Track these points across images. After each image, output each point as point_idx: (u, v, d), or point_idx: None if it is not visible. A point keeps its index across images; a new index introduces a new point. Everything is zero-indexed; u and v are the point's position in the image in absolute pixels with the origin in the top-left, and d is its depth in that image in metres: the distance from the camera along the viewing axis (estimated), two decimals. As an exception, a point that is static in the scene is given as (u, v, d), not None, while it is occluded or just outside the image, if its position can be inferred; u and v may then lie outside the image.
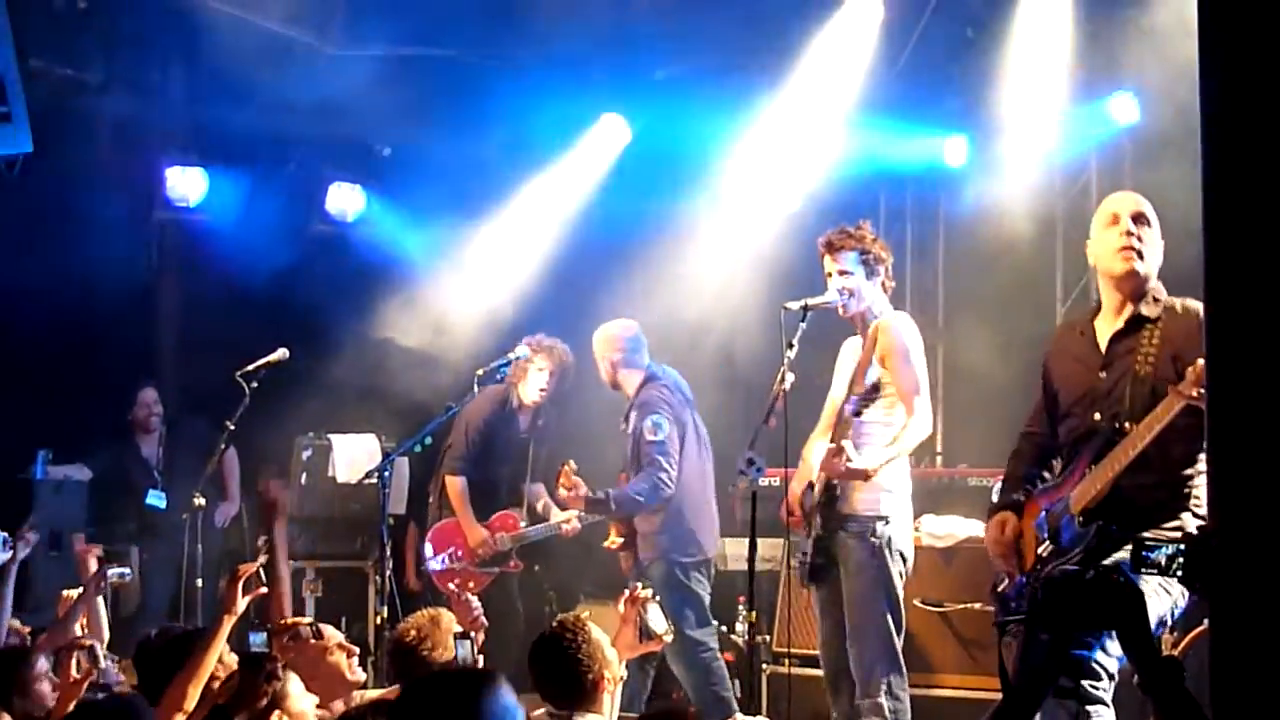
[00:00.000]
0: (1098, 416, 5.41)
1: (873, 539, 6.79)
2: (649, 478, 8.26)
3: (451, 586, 8.95)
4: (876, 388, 6.84)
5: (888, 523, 6.83)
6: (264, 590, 6.12)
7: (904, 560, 6.89)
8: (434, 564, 9.22)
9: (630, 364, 8.57)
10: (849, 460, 6.56)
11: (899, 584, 6.85)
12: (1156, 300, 5.44)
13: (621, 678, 5.41)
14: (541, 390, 9.18)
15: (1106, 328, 5.56)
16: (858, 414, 6.63)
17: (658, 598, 6.01)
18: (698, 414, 8.59)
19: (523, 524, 9.28)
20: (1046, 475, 5.68)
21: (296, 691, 5.36)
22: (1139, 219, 5.49)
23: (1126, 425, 5.23)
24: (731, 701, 8.13)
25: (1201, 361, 4.86)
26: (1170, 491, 5.24)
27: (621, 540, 8.52)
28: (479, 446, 9.26)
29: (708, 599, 8.33)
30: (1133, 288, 5.50)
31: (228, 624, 5.39)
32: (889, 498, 6.84)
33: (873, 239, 7.03)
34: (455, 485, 9.29)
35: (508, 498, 9.38)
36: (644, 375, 8.53)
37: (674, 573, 8.24)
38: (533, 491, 9.49)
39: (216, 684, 5.11)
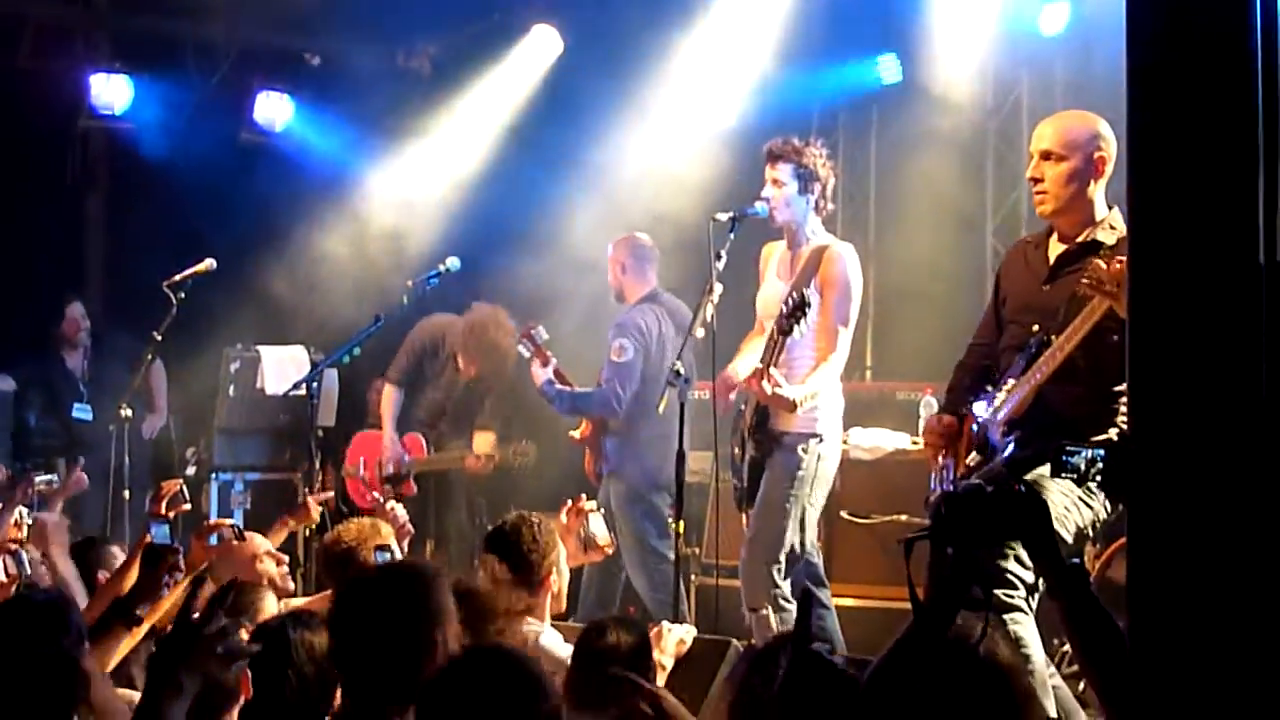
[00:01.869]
0: (1036, 327, 5.45)
1: (802, 454, 6.83)
2: (601, 392, 8.24)
3: (372, 496, 9.02)
4: (806, 313, 6.78)
5: (820, 440, 6.88)
6: (186, 506, 6.12)
7: (826, 482, 6.95)
8: (347, 471, 9.35)
9: (638, 273, 8.44)
10: (777, 385, 6.56)
11: (810, 507, 6.90)
12: (1113, 228, 5.44)
13: (563, 586, 5.48)
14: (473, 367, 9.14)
15: (1057, 247, 5.58)
16: (786, 333, 6.59)
17: (600, 509, 6.07)
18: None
19: (426, 452, 9.24)
20: (988, 385, 5.73)
21: (270, 607, 5.36)
22: (1046, 156, 5.48)
23: (1054, 338, 5.28)
24: (685, 615, 8.17)
25: (1122, 261, 4.90)
26: (1097, 405, 5.28)
27: (584, 436, 8.53)
28: (413, 368, 9.22)
29: (667, 514, 8.35)
30: (1062, 224, 5.53)
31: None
32: (824, 416, 6.90)
33: (814, 156, 7.00)
34: (387, 394, 9.30)
35: (431, 424, 9.34)
36: (646, 292, 8.43)
37: (636, 487, 8.25)
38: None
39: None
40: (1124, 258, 4.91)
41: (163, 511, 5.60)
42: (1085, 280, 5.07)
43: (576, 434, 8.57)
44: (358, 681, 3.76)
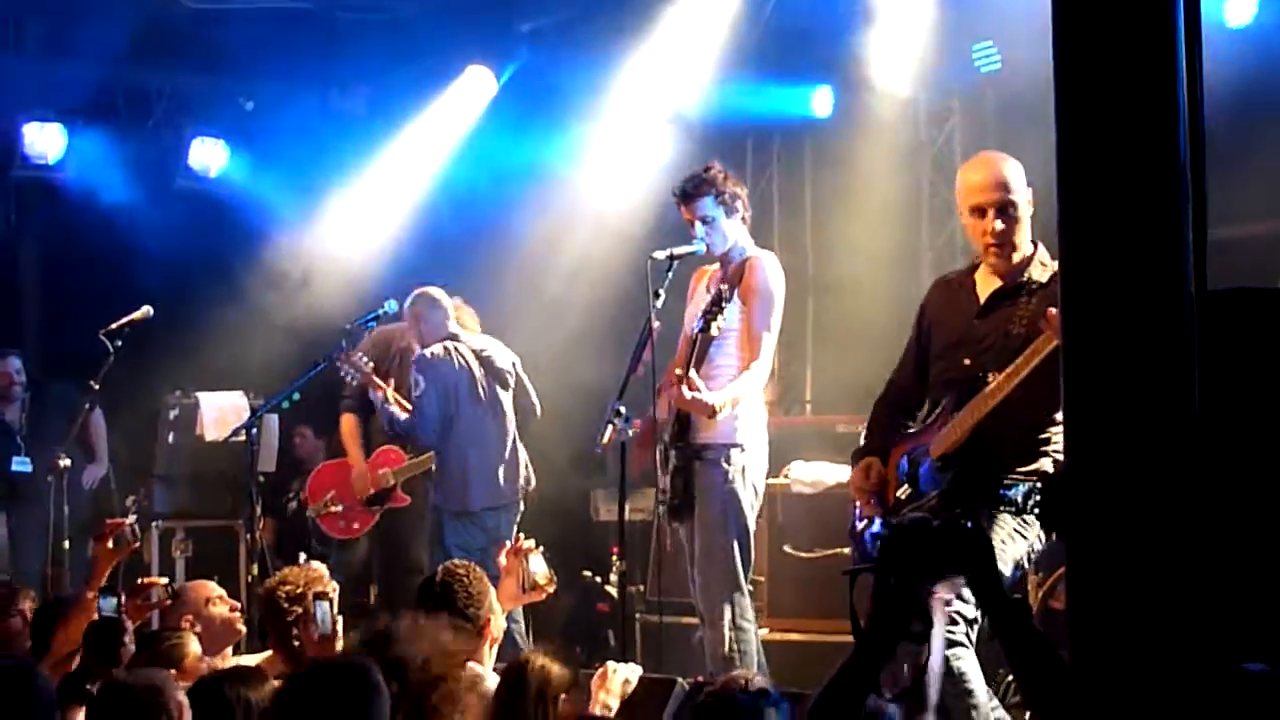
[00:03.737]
0: (968, 362, 5.44)
1: (726, 465, 6.78)
2: (408, 421, 8.59)
3: (339, 527, 9.05)
4: (728, 324, 6.78)
5: (743, 450, 6.81)
6: (137, 545, 6.09)
7: (756, 492, 6.89)
8: (312, 511, 9.17)
9: (432, 324, 8.72)
10: (695, 390, 6.52)
11: (750, 514, 6.84)
12: (1044, 265, 5.45)
13: (503, 629, 5.46)
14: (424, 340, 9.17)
15: (988, 283, 5.56)
16: (704, 330, 6.56)
17: (540, 548, 6.05)
18: (506, 377, 8.71)
19: (407, 458, 9.20)
20: (910, 423, 5.74)
21: (195, 651, 5.35)
22: (1003, 208, 5.43)
23: (990, 376, 5.27)
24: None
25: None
26: (1030, 438, 5.29)
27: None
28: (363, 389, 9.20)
29: (463, 546, 8.38)
30: (1007, 268, 5.54)
31: (99, 579, 5.42)
32: (744, 425, 6.82)
33: (724, 177, 6.98)
34: (347, 423, 9.24)
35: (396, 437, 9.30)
36: (441, 336, 8.69)
37: (437, 518, 8.42)
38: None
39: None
40: None
41: (99, 582, 5.56)
42: (1043, 325, 5.06)
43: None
44: None
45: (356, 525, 9.10)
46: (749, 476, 6.85)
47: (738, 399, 6.71)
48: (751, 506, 6.87)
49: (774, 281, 6.93)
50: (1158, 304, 2.95)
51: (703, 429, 6.80)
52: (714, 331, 6.54)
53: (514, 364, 8.81)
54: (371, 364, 8.74)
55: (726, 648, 6.64)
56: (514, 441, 8.69)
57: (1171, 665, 2.88)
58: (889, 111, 10.42)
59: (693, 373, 6.52)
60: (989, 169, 5.55)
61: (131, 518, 5.98)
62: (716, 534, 6.80)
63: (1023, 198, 5.46)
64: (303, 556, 6.55)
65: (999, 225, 5.44)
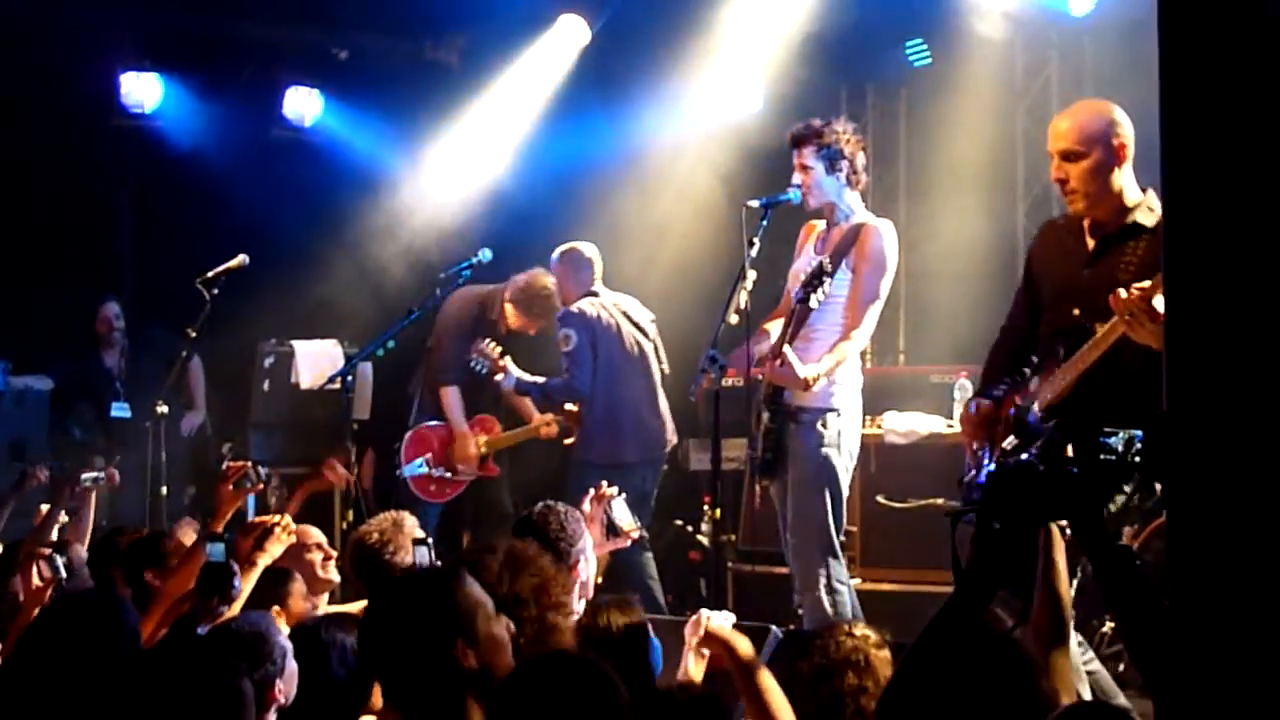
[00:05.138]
0: (1076, 312, 5.38)
1: (822, 429, 6.79)
2: (563, 380, 8.73)
3: (429, 490, 9.12)
4: (835, 290, 6.77)
5: (839, 415, 6.82)
6: (261, 487, 6.19)
7: (851, 456, 6.89)
8: (407, 470, 9.21)
9: (575, 281, 8.89)
10: (789, 364, 6.53)
11: (843, 479, 6.85)
12: (1151, 210, 5.40)
13: (597, 581, 5.46)
14: (520, 326, 9.23)
15: (1098, 227, 5.53)
16: (803, 302, 6.55)
17: (623, 494, 6.05)
18: (648, 331, 8.80)
19: (499, 428, 9.29)
20: (1025, 369, 5.70)
21: (298, 591, 5.44)
22: (1067, 156, 5.43)
23: (1097, 326, 5.21)
24: (656, 593, 8.22)
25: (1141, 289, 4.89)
26: (1136, 388, 5.21)
27: (556, 429, 8.98)
28: (462, 357, 9.23)
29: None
30: (1095, 215, 5.48)
31: (222, 520, 5.54)
32: (840, 390, 6.83)
33: (835, 134, 6.97)
34: (448, 397, 9.30)
35: (489, 403, 9.38)
36: (582, 292, 8.85)
37: (584, 472, 8.34)
38: (517, 398, 9.45)
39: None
40: (1141, 285, 4.91)
41: (220, 524, 5.65)
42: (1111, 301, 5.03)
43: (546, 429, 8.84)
44: (393, 686, 3.72)
45: (448, 490, 9.20)
46: (843, 441, 6.85)
47: (831, 370, 6.71)
48: (846, 470, 6.87)
49: (889, 251, 6.93)
50: (1263, 249, 2.90)
51: (797, 393, 6.79)
52: (813, 304, 6.51)
53: (651, 320, 8.88)
54: (496, 346, 8.83)
55: (824, 612, 6.67)
56: (660, 395, 8.75)
57: (1271, 617, 2.86)
58: (984, 62, 10.31)
59: (786, 348, 6.52)
60: (1070, 117, 5.56)
61: (252, 461, 6.05)
62: (809, 498, 6.82)
63: (1097, 147, 5.41)
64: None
65: (1057, 174, 5.47)
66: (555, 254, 8.96)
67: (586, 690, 3.25)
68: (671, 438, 8.80)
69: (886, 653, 3.84)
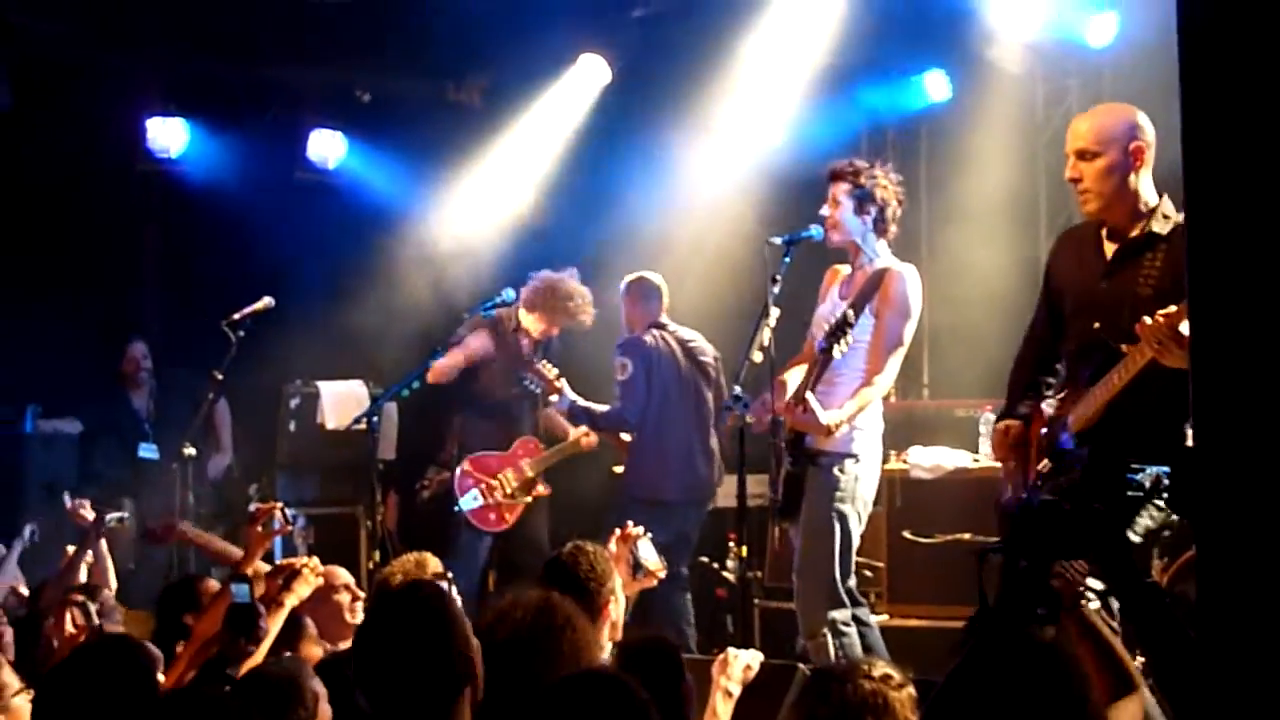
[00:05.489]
0: (1097, 326, 5.38)
1: (839, 474, 6.80)
2: (615, 410, 8.74)
3: (490, 520, 9.11)
4: (858, 335, 6.79)
5: (857, 461, 6.83)
6: (289, 529, 6.22)
7: (865, 503, 6.90)
8: (464, 504, 9.15)
9: (642, 309, 8.93)
10: (810, 411, 6.53)
11: (855, 527, 6.85)
12: (1167, 217, 5.39)
13: (620, 616, 5.46)
14: (553, 330, 9.23)
15: (1115, 235, 5.52)
16: (825, 352, 6.57)
17: (649, 534, 6.05)
18: (709, 370, 8.80)
19: (543, 448, 9.28)
20: (1050, 380, 5.69)
21: (311, 636, 5.45)
22: (1081, 155, 5.46)
23: (1122, 347, 5.17)
24: (689, 634, 8.21)
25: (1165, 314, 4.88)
26: (1165, 414, 5.19)
27: (596, 439, 9.10)
28: (485, 383, 9.23)
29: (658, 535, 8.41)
30: (1110, 219, 5.49)
31: (251, 561, 5.56)
32: (861, 436, 6.85)
33: (873, 178, 6.99)
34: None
35: (516, 423, 9.36)
36: (648, 323, 8.85)
37: (625, 505, 8.28)
38: (549, 415, 9.47)
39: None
40: (1167, 311, 4.89)
41: (250, 565, 5.68)
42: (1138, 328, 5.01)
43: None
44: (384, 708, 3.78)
45: (509, 516, 9.16)
46: (860, 488, 6.86)
47: (855, 415, 6.70)
48: (858, 517, 6.87)
49: (913, 297, 6.93)
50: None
51: (818, 438, 6.79)
52: (836, 354, 6.52)
53: (716, 358, 8.86)
54: (551, 367, 8.82)
55: (828, 656, 6.66)
56: (712, 436, 8.74)
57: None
58: (1005, 94, 10.33)
59: (809, 394, 6.52)
60: (1090, 117, 5.62)
61: (281, 504, 6.07)
62: (818, 542, 6.83)
63: (1113, 148, 5.44)
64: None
65: (1072, 172, 5.50)
66: (623, 283, 9.00)
67: (621, 708, 3.27)
68: (719, 481, 8.77)
69: (907, 692, 3.81)
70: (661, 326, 8.85)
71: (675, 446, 8.62)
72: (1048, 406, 5.56)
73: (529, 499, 9.18)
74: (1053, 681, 2.95)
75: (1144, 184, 5.46)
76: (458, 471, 9.24)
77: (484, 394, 9.25)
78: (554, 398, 8.80)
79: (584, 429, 9.09)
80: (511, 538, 9.19)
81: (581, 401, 8.77)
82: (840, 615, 6.78)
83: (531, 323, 9.17)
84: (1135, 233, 5.43)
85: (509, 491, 9.11)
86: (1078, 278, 5.62)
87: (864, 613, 6.96)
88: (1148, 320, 4.92)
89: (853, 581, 6.99)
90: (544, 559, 8.82)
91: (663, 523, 8.37)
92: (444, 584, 5.30)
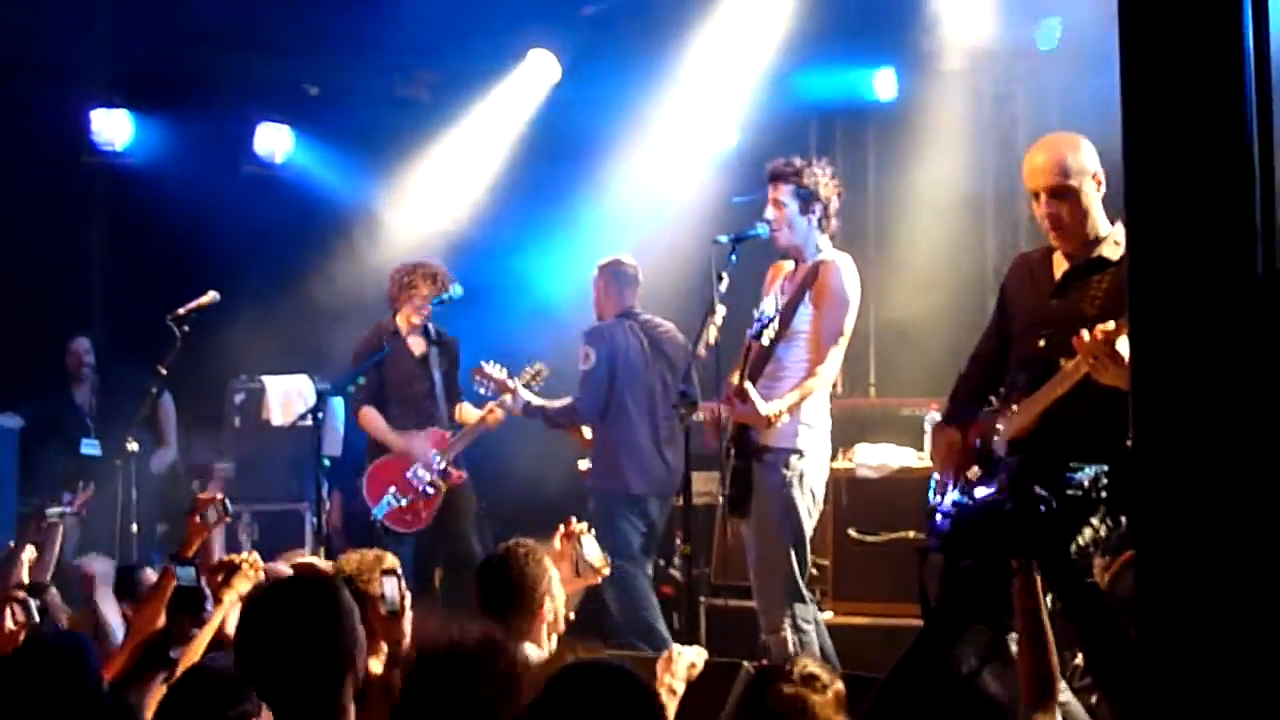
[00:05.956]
0: (1042, 343, 5.40)
1: (785, 470, 6.79)
2: (569, 402, 8.57)
3: (406, 520, 8.99)
4: (799, 326, 6.81)
5: (802, 456, 6.83)
6: (228, 519, 6.17)
7: (814, 497, 6.89)
8: (377, 512, 9.00)
9: (615, 295, 8.71)
10: (749, 402, 6.54)
11: (806, 520, 6.85)
12: (1118, 244, 5.40)
13: (561, 614, 5.44)
14: (422, 312, 9.14)
15: (1063, 263, 5.52)
16: (769, 345, 6.58)
17: (593, 531, 6.04)
18: (676, 363, 8.59)
19: (450, 437, 9.18)
20: (993, 399, 5.72)
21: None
22: (1058, 193, 5.41)
23: (1062, 361, 5.22)
24: (663, 632, 8.19)
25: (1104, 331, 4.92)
26: (1101, 422, 5.22)
27: (501, 415, 8.82)
28: (373, 376, 9.12)
29: (635, 532, 8.38)
30: (1072, 247, 5.50)
31: (189, 552, 5.52)
32: (806, 431, 6.85)
33: (814, 176, 6.98)
34: (369, 416, 9.17)
35: (425, 420, 9.23)
36: (620, 311, 8.67)
37: (602, 503, 8.36)
38: (455, 411, 9.35)
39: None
40: (1105, 327, 4.93)
41: (189, 554, 5.63)
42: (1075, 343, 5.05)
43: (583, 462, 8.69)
44: (272, 698, 3.79)
45: (424, 514, 9.06)
46: (807, 482, 6.85)
47: (794, 406, 6.71)
48: (809, 512, 6.87)
49: (849, 286, 6.94)
50: (1226, 285, 2.93)
51: (762, 433, 6.80)
52: (764, 341, 6.57)
53: (688, 349, 8.75)
54: (500, 367, 8.70)
55: (788, 652, 6.64)
56: (677, 430, 8.59)
57: (1241, 648, 2.87)
58: (952, 94, 10.37)
59: (747, 384, 6.53)
60: (1047, 152, 5.50)
61: (220, 494, 6.03)
62: (771, 539, 6.83)
63: (1084, 180, 5.41)
64: None
65: (1050, 209, 5.43)
66: (596, 267, 8.82)
67: (626, 697, 3.28)
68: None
69: (833, 691, 3.79)
70: (633, 315, 8.67)
71: (635, 439, 8.50)
72: (984, 417, 5.59)
73: (444, 488, 9.09)
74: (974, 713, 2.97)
75: (1099, 209, 5.47)
76: (364, 481, 9.13)
77: (392, 391, 9.19)
78: (507, 398, 8.68)
79: (490, 406, 8.93)
80: (436, 533, 9.09)
81: (536, 400, 8.64)
82: (801, 610, 6.78)
83: (401, 320, 9.14)
84: (1088, 255, 5.44)
85: (422, 487, 9.04)
86: (1028, 298, 5.63)
87: (809, 611, 6.96)
88: (1085, 335, 4.95)
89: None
90: (470, 548, 8.89)
91: (640, 514, 8.37)
92: (393, 579, 5.29)
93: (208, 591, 5.05)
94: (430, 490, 9.01)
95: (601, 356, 8.45)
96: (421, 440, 9.06)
